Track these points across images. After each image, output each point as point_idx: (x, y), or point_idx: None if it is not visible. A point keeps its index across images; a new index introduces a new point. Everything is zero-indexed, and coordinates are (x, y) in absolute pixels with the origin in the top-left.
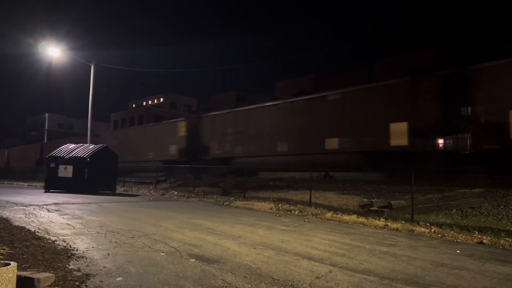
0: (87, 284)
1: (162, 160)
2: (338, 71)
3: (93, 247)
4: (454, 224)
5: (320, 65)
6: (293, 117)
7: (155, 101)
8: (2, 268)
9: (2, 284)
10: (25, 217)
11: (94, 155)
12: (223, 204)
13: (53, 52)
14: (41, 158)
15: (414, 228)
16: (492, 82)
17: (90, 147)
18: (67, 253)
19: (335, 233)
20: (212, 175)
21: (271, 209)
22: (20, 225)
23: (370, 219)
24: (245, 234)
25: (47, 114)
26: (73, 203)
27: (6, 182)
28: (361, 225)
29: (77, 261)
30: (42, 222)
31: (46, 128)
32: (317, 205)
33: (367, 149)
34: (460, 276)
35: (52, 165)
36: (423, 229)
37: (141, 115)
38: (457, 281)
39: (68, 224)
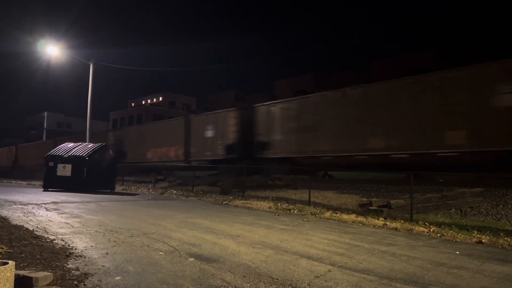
0: (85, 283)
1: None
2: (339, 70)
3: (91, 246)
4: (453, 223)
5: (321, 64)
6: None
7: (154, 100)
8: (0, 267)
9: (0, 283)
10: (24, 216)
11: (93, 154)
12: (222, 203)
13: (52, 50)
14: (16, 159)
15: (413, 227)
16: (260, 118)
17: (89, 146)
18: (66, 252)
19: (334, 232)
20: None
21: (270, 208)
22: (19, 224)
23: (369, 219)
24: (244, 233)
25: (46, 113)
26: (71, 202)
27: (4, 181)
28: (360, 224)
29: (76, 260)
30: (40, 221)
31: (45, 127)
32: (316, 204)
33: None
34: (459, 275)
35: (51, 164)
36: (422, 229)
37: (140, 114)
38: (456, 280)
39: (66, 223)
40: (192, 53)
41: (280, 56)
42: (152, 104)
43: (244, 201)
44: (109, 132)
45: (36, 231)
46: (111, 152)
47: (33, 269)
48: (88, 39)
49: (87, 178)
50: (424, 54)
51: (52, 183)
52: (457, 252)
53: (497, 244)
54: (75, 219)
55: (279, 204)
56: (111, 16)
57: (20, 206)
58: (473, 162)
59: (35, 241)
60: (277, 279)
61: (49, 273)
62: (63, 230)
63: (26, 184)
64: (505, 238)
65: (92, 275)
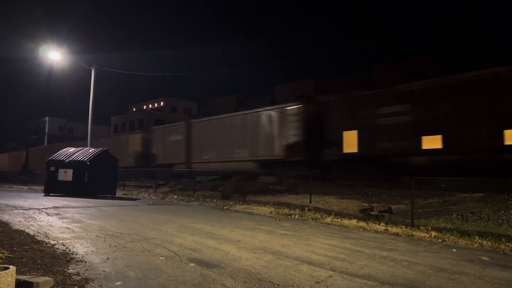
0: None
1: (125, 166)
2: (340, 74)
3: (92, 251)
4: (454, 229)
5: (321, 68)
6: (208, 134)
7: (156, 105)
8: (1, 272)
9: None
10: (25, 220)
11: (94, 158)
12: (223, 208)
13: (54, 56)
14: (26, 163)
15: (414, 232)
16: (333, 112)
17: (90, 150)
18: (67, 257)
19: (335, 237)
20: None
21: (271, 213)
22: (20, 228)
23: (370, 224)
24: (245, 239)
25: (47, 118)
26: (72, 207)
27: (6, 186)
28: (361, 229)
29: (76, 265)
30: (41, 225)
31: (46, 131)
32: (317, 209)
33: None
34: (461, 281)
35: (52, 168)
36: (423, 234)
37: (141, 118)
38: (458, 286)
39: (67, 228)
40: (194, 58)
41: (281, 61)
42: (153, 109)
43: (245, 206)
44: (136, 135)
45: (37, 236)
46: (112, 157)
47: (34, 274)
48: (90, 43)
49: (88, 183)
50: (425, 58)
51: (53, 188)
52: (458, 258)
53: (499, 250)
54: (76, 224)
55: (280, 209)
56: (113, 21)
57: (21, 211)
58: None
59: (36, 246)
60: (278, 285)
61: (50, 278)
62: (64, 235)
63: (28, 189)
64: (507, 244)
65: (93, 280)
